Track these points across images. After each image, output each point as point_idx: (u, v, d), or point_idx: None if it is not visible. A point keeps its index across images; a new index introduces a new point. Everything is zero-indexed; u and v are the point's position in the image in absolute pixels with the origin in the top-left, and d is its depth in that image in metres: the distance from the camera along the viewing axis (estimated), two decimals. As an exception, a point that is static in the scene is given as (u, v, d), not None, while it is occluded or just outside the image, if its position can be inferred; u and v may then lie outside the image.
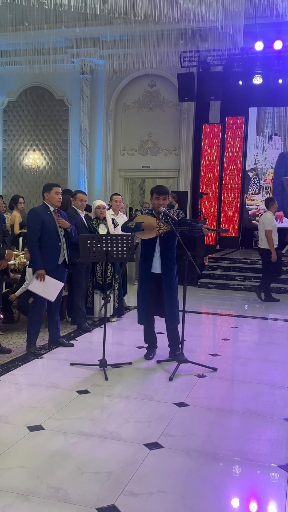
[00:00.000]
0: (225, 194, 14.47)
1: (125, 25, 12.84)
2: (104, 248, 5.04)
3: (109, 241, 5.03)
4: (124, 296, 7.89)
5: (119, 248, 5.06)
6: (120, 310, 7.37)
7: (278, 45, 12.35)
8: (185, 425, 3.86)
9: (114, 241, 5.04)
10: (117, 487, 2.96)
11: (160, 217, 5.26)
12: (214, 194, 14.43)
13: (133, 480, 3.05)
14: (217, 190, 14.39)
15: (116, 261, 6.59)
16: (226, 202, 14.48)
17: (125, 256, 5.12)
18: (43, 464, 3.21)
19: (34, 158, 16.00)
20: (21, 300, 6.40)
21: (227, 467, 3.26)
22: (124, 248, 5.07)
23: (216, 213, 14.43)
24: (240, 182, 14.39)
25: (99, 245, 5.03)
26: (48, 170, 15.98)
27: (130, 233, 5.24)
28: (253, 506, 2.87)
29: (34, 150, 16.04)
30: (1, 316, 6.81)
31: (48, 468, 3.16)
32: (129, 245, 5.06)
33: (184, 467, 3.24)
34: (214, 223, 14.35)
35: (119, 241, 5.04)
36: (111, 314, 7.21)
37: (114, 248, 5.06)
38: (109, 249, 5.05)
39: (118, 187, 15.42)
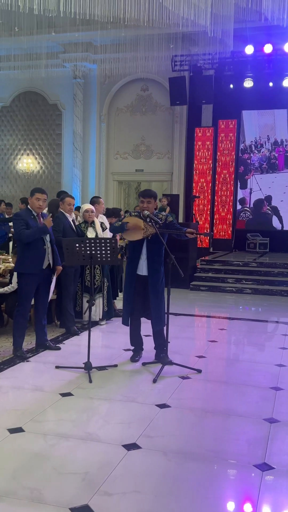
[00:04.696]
0: (218, 197, 14.53)
1: (117, 29, 12.91)
2: (88, 252, 5.08)
3: (93, 244, 5.07)
4: (115, 299, 7.92)
5: (103, 252, 5.10)
6: (109, 314, 7.40)
7: (268, 48, 12.44)
8: (165, 426, 3.90)
9: (98, 244, 5.08)
10: (92, 487, 3.00)
11: (148, 220, 5.31)
12: (207, 196, 14.50)
13: (108, 481, 3.08)
14: (210, 192, 14.46)
15: (101, 265, 6.63)
16: (219, 204, 14.54)
17: (109, 259, 5.16)
18: (21, 465, 3.24)
19: (28, 163, 16.07)
20: (8, 304, 6.43)
21: (203, 467, 3.30)
22: (108, 251, 5.10)
23: (209, 216, 14.50)
24: (233, 184, 14.46)
25: (83, 249, 5.07)
26: (42, 174, 16.04)
27: (113, 237, 5.30)
28: (226, 505, 2.90)
29: (28, 155, 16.11)
30: (-9, 320, 6.85)
31: (25, 470, 3.19)
32: (113, 248, 5.10)
33: (160, 467, 3.27)
34: (207, 226, 14.42)
35: (103, 244, 5.08)
36: (101, 317, 7.25)
37: (98, 252, 5.10)
38: (94, 252, 5.09)
39: (112, 191, 15.50)
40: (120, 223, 5.30)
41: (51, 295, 6.17)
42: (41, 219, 5.75)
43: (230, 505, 2.88)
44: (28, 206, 5.75)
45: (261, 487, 3.06)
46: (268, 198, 14.45)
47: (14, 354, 5.64)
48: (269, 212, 14.44)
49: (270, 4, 9.31)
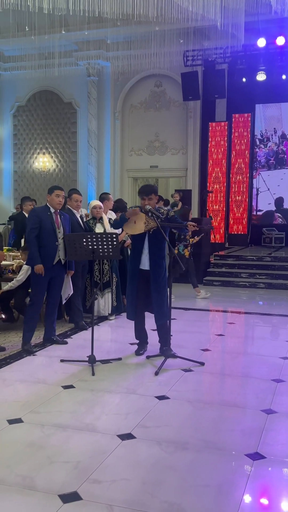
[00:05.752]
0: (233, 192, 14.47)
1: (130, 26, 12.98)
2: (90, 247, 5.15)
3: (94, 239, 5.14)
4: (125, 295, 7.98)
5: (105, 246, 5.16)
6: (119, 308, 7.46)
7: (280, 41, 12.33)
8: (161, 417, 3.94)
9: (100, 239, 5.14)
10: (83, 475, 3.06)
11: (150, 215, 5.35)
12: (222, 190, 14.43)
13: (100, 469, 3.14)
14: (224, 187, 14.40)
15: (103, 259, 6.72)
16: (234, 199, 14.48)
17: (111, 253, 5.22)
18: (16, 454, 3.33)
19: (44, 161, 16.23)
20: (17, 300, 6.55)
21: (194, 456, 3.34)
22: (110, 246, 5.16)
23: (224, 211, 14.44)
24: (248, 179, 14.38)
25: (84, 244, 5.14)
26: (58, 173, 16.19)
27: (115, 231, 5.36)
28: (212, 492, 2.93)
29: (44, 153, 16.27)
30: (3, 316, 6.98)
31: (20, 458, 3.28)
32: (114, 242, 5.15)
33: (152, 456, 3.32)
34: (222, 222, 14.37)
35: (104, 239, 5.14)
36: (110, 312, 7.32)
37: (100, 246, 5.16)
38: (95, 247, 5.15)
39: (127, 188, 15.56)
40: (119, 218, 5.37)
41: (71, 293, 6.32)
42: (59, 216, 5.87)
43: (215, 493, 2.91)
44: (47, 204, 5.89)
45: (250, 476, 3.09)
46: (279, 202, 14.12)
47: (22, 348, 5.76)
48: (281, 222, 14.15)
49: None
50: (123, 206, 8.48)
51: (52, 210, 5.86)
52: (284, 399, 4.35)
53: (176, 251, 9.00)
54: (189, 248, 9.01)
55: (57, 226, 5.84)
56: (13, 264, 7.11)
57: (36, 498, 2.84)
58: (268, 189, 14.12)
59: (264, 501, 2.91)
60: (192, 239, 9.00)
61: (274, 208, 14.17)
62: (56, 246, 5.80)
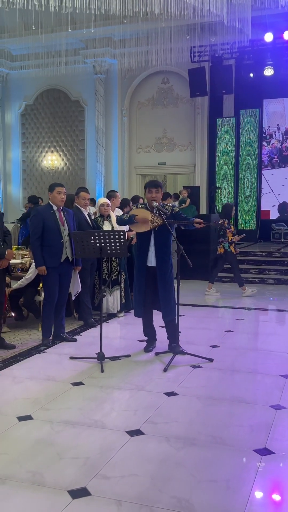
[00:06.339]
0: (242, 187, 14.42)
1: (136, 23, 12.97)
2: (98, 244, 5.17)
3: (102, 237, 5.16)
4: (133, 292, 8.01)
5: (113, 244, 5.18)
6: (127, 305, 7.48)
7: (288, 35, 12.26)
8: (170, 413, 3.96)
9: (107, 237, 5.16)
10: (92, 471, 3.09)
11: (154, 211, 5.36)
12: (230, 187, 14.39)
13: (109, 465, 3.16)
14: (233, 182, 14.36)
15: (111, 257, 6.75)
16: (242, 195, 14.42)
17: (119, 251, 5.24)
18: (26, 451, 3.36)
19: (52, 160, 16.29)
20: (26, 298, 6.59)
21: (203, 452, 3.35)
22: (117, 244, 5.18)
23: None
24: (256, 174, 14.32)
25: (92, 241, 5.15)
26: (66, 171, 16.24)
27: (122, 229, 5.37)
28: (220, 488, 2.94)
29: (52, 152, 16.33)
30: (13, 314, 7.03)
31: (29, 455, 3.31)
32: (122, 240, 5.17)
33: (160, 452, 3.34)
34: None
35: (112, 236, 5.15)
36: (119, 309, 7.34)
37: (108, 244, 5.18)
38: (103, 245, 5.17)
39: (135, 185, 15.57)
40: (127, 215, 5.37)
41: (79, 290, 6.36)
42: (62, 213, 5.89)
43: (224, 489, 2.92)
44: (49, 202, 5.92)
45: (258, 471, 3.09)
46: (283, 207, 13.94)
47: (42, 342, 5.88)
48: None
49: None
50: (126, 203, 8.49)
51: (55, 207, 5.87)
52: (293, 395, 4.34)
53: (221, 249, 9.09)
54: (233, 245, 9.09)
55: (62, 223, 5.86)
56: (23, 262, 7.15)
57: (46, 494, 2.86)
58: (272, 190, 13.96)
59: (273, 496, 2.92)
60: (232, 237, 9.03)
61: (277, 214, 13.97)
62: (61, 244, 5.82)
